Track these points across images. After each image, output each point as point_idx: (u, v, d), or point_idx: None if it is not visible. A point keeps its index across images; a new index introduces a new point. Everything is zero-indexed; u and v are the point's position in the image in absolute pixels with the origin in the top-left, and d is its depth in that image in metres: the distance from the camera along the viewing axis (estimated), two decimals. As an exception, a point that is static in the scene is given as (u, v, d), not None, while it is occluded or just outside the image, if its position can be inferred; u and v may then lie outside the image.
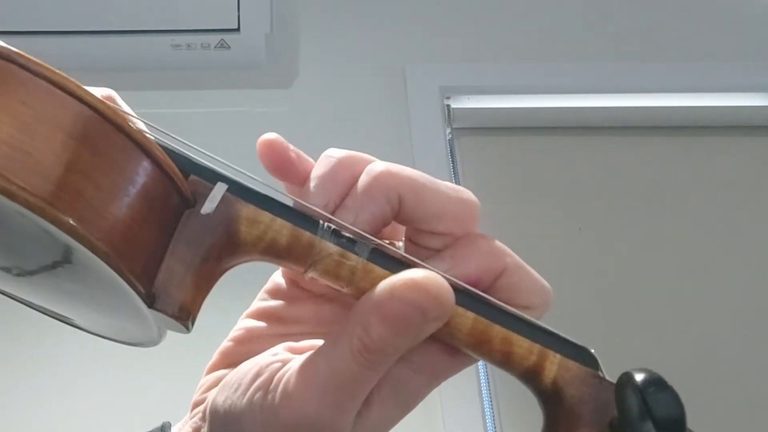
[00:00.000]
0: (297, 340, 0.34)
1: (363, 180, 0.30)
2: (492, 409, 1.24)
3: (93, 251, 0.24)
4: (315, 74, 1.57)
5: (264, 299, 0.36)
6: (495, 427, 1.23)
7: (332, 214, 0.30)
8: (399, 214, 0.30)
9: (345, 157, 0.31)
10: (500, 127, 1.57)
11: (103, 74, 1.42)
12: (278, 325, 0.35)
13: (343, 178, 0.31)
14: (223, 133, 1.46)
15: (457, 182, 1.47)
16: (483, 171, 1.52)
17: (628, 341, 1.33)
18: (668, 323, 1.38)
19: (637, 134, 1.57)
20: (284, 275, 0.36)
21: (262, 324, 0.35)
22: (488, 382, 1.27)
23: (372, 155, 0.32)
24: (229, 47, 1.50)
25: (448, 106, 1.55)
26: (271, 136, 0.32)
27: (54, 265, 0.28)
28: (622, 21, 1.66)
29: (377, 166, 0.30)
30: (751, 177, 1.53)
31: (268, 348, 0.33)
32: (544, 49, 1.62)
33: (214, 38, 1.48)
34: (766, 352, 1.36)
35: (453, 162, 1.50)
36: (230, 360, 0.34)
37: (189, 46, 1.49)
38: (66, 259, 0.26)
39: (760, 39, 1.63)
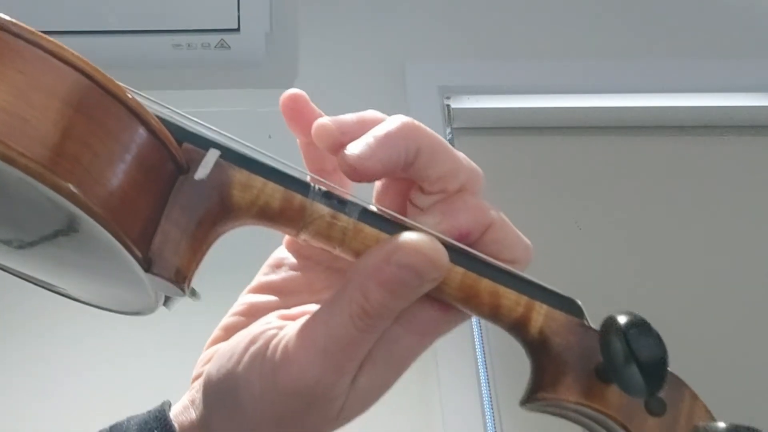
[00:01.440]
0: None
1: (388, 123, 0.30)
2: (492, 408, 1.24)
3: (92, 216, 0.25)
4: (315, 74, 1.57)
5: (266, 274, 0.36)
6: (494, 425, 1.23)
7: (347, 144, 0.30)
8: (410, 168, 0.30)
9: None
10: (500, 127, 1.57)
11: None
12: (281, 298, 0.35)
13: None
14: (223, 132, 1.45)
15: (457, 182, 1.47)
16: (483, 171, 1.51)
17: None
18: (668, 323, 1.37)
19: (637, 134, 1.57)
20: (288, 247, 0.36)
21: (264, 297, 0.35)
22: (488, 381, 1.27)
23: None
24: (229, 47, 1.50)
25: (448, 105, 1.55)
26: (295, 90, 0.33)
27: (54, 235, 0.28)
28: (622, 21, 1.66)
29: (403, 117, 0.31)
30: (751, 177, 1.53)
31: None
32: (544, 48, 1.62)
33: (214, 38, 1.48)
34: (766, 352, 1.36)
35: (453, 162, 1.50)
36: (231, 333, 0.34)
37: (189, 45, 1.49)
38: (64, 226, 0.27)
39: (760, 39, 1.63)
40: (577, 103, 1.57)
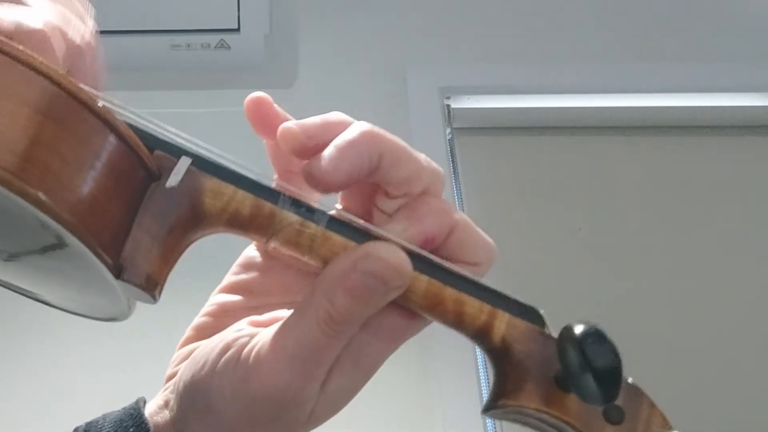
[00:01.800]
0: (269, 312, 0.35)
1: (349, 133, 0.31)
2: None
3: (60, 223, 0.25)
4: (315, 74, 1.57)
5: (236, 273, 0.37)
6: (495, 425, 1.23)
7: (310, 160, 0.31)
8: (374, 173, 0.31)
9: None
10: (500, 127, 1.57)
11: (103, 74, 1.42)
12: (250, 298, 0.36)
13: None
14: (223, 133, 1.45)
15: (457, 182, 1.47)
16: (483, 171, 1.52)
17: (628, 341, 1.33)
18: (668, 324, 1.38)
19: (637, 134, 1.57)
20: (257, 247, 0.37)
21: (234, 297, 0.36)
22: (488, 381, 1.27)
23: None
24: (229, 47, 1.50)
25: (448, 106, 1.55)
26: (258, 93, 0.34)
27: (43, 250, 0.28)
28: (622, 21, 1.66)
29: (364, 124, 0.31)
30: (751, 177, 1.53)
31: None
32: (544, 49, 1.62)
33: (214, 38, 1.49)
34: (765, 352, 1.36)
35: (453, 162, 1.50)
36: (203, 334, 0.35)
37: (189, 46, 1.49)
38: (54, 241, 0.27)
39: (760, 39, 1.63)
40: (577, 103, 1.57)
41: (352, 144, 0.30)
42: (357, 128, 0.31)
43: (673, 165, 1.54)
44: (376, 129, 0.31)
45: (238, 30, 1.48)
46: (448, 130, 1.53)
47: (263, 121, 0.34)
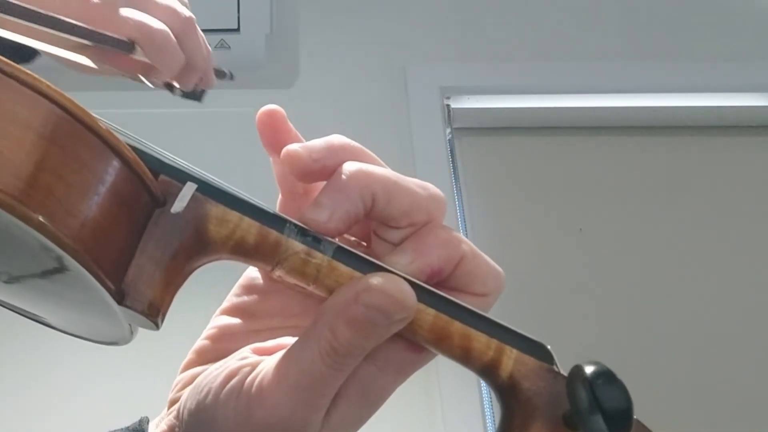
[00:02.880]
0: (271, 335, 0.34)
1: (338, 178, 0.31)
2: (492, 408, 1.24)
3: (62, 248, 0.25)
4: (315, 74, 1.57)
5: (238, 295, 0.37)
6: (494, 425, 1.23)
7: (304, 211, 0.30)
8: (371, 212, 0.31)
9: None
10: (500, 127, 1.57)
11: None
12: (252, 321, 0.36)
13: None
14: (223, 133, 1.46)
15: (457, 182, 1.47)
16: (483, 171, 1.52)
17: (628, 341, 1.33)
18: (669, 323, 1.38)
19: (637, 134, 1.57)
20: (259, 269, 0.37)
21: (235, 320, 0.36)
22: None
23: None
24: (229, 47, 1.50)
25: (448, 106, 1.55)
26: (272, 107, 0.33)
27: (44, 274, 0.28)
28: (622, 21, 1.66)
29: (352, 165, 0.31)
30: (751, 177, 1.53)
31: (242, 345, 0.34)
32: (544, 49, 1.62)
33: (214, 38, 1.48)
34: (766, 352, 1.36)
35: (453, 162, 1.50)
36: (205, 358, 0.35)
37: (189, 46, 1.49)
38: (56, 265, 0.27)
39: (760, 39, 1.63)
40: (577, 103, 1.57)
41: (341, 190, 0.30)
42: (346, 171, 0.31)
43: (673, 165, 1.54)
44: (366, 168, 0.31)
45: (238, 30, 1.48)
46: (448, 130, 1.53)
47: (274, 136, 0.33)
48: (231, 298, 0.37)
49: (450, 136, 1.53)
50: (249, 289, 0.36)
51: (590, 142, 1.56)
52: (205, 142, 1.42)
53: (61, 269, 0.26)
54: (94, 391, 1.21)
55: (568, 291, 1.38)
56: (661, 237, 1.46)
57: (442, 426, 1.22)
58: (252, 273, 0.37)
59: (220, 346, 0.35)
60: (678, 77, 1.58)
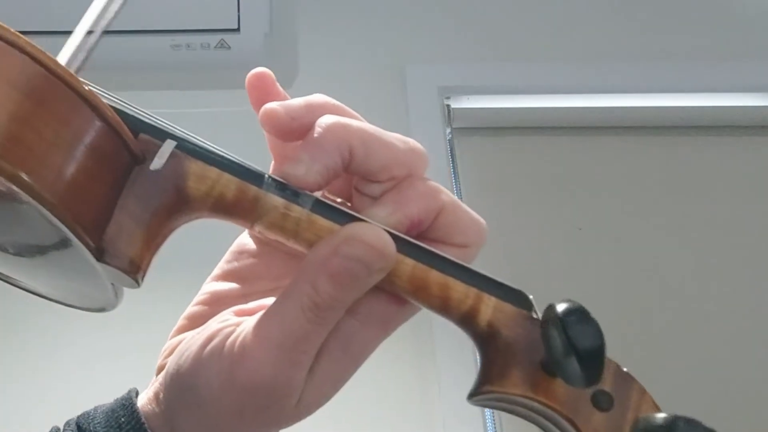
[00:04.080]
0: (260, 298, 0.34)
1: (315, 132, 0.31)
2: (492, 409, 1.24)
3: (42, 203, 0.24)
4: (315, 74, 1.57)
5: (229, 261, 0.37)
6: (494, 425, 1.23)
7: (283, 165, 0.30)
8: (350, 166, 0.31)
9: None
10: (500, 127, 1.57)
11: (104, 74, 1.42)
12: (244, 285, 0.35)
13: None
14: (223, 133, 1.45)
15: (457, 182, 1.47)
16: (483, 171, 1.52)
17: (629, 341, 1.33)
18: (669, 323, 1.38)
19: (638, 134, 1.57)
20: (250, 234, 0.37)
21: (227, 285, 0.36)
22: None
23: None
24: (229, 47, 1.50)
25: (448, 106, 1.55)
26: (261, 69, 0.34)
27: (45, 249, 0.28)
28: (622, 21, 1.66)
29: (328, 118, 0.31)
30: (751, 177, 1.53)
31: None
32: (544, 49, 1.62)
33: (214, 38, 1.48)
34: (765, 351, 1.36)
35: (453, 162, 1.50)
36: (196, 323, 0.35)
37: (189, 46, 1.49)
38: (56, 240, 0.26)
39: (760, 39, 1.63)
40: (577, 103, 1.57)
41: (318, 144, 0.30)
42: (322, 124, 0.31)
43: (673, 165, 1.54)
44: (342, 120, 0.31)
45: (238, 30, 1.48)
46: (448, 130, 1.53)
47: (262, 97, 0.33)
48: (222, 265, 0.37)
49: (450, 136, 1.53)
50: (240, 254, 0.36)
51: (590, 142, 1.56)
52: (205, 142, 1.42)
53: (58, 234, 0.26)
54: (93, 383, 1.21)
55: (568, 290, 1.37)
56: (661, 237, 1.46)
57: (442, 422, 1.22)
58: (243, 239, 0.37)
59: (212, 311, 0.34)
60: (678, 77, 1.58)
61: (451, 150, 1.51)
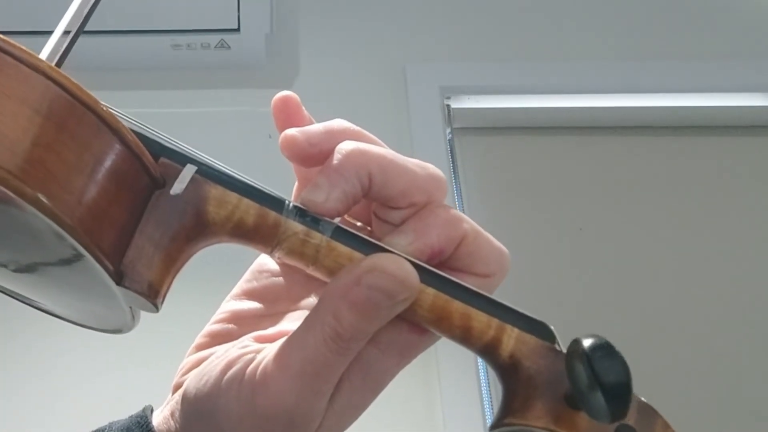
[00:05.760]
0: (280, 319, 0.34)
1: (334, 159, 0.30)
2: (492, 408, 1.24)
3: (61, 226, 0.24)
4: (315, 74, 1.57)
5: (249, 281, 0.36)
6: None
7: (303, 191, 0.30)
8: (369, 192, 0.31)
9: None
10: (500, 127, 1.57)
11: (104, 74, 1.42)
12: (263, 305, 0.35)
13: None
14: (223, 133, 1.46)
15: (457, 182, 1.47)
16: (483, 171, 1.52)
17: (629, 342, 1.33)
18: (669, 323, 1.38)
19: (638, 134, 1.57)
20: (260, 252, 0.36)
21: (247, 304, 0.35)
22: (488, 381, 1.27)
23: None
24: (229, 47, 1.50)
25: (448, 106, 1.55)
26: (286, 93, 0.34)
27: (59, 263, 0.28)
28: (622, 21, 1.66)
29: (347, 144, 0.31)
30: (750, 177, 1.53)
31: (254, 329, 0.34)
32: (544, 49, 1.62)
33: (214, 38, 1.48)
34: (765, 352, 1.36)
35: (453, 162, 1.50)
36: (214, 341, 0.35)
37: (189, 46, 1.49)
38: (69, 255, 0.26)
39: (760, 39, 1.63)
40: (577, 103, 1.57)
41: (337, 170, 0.30)
42: (342, 150, 0.30)
43: (673, 165, 1.54)
44: (361, 146, 0.31)
45: (238, 30, 1.48)
46: (448, 130, 1.53)
47: (287, 121, 0.33)
48: (242, 284, 0.36)
49: (450, 136, 1.53)
50: (260, 274, 0.36)
51: (590, 142, 1.56)
52: (206, 142, 1.42)
53: (78, 257, 0.26)
54: (98, 388, 1.21)
55: (568, 291, 1.37)
56: (661, 237, 1.46)
57: (442, 419, 1.22)
58: (263, 259, 0.37)
59: (231, 330, 0.34)
60: (678, 77, 1.58)
61: (451, 150, 1.51)
